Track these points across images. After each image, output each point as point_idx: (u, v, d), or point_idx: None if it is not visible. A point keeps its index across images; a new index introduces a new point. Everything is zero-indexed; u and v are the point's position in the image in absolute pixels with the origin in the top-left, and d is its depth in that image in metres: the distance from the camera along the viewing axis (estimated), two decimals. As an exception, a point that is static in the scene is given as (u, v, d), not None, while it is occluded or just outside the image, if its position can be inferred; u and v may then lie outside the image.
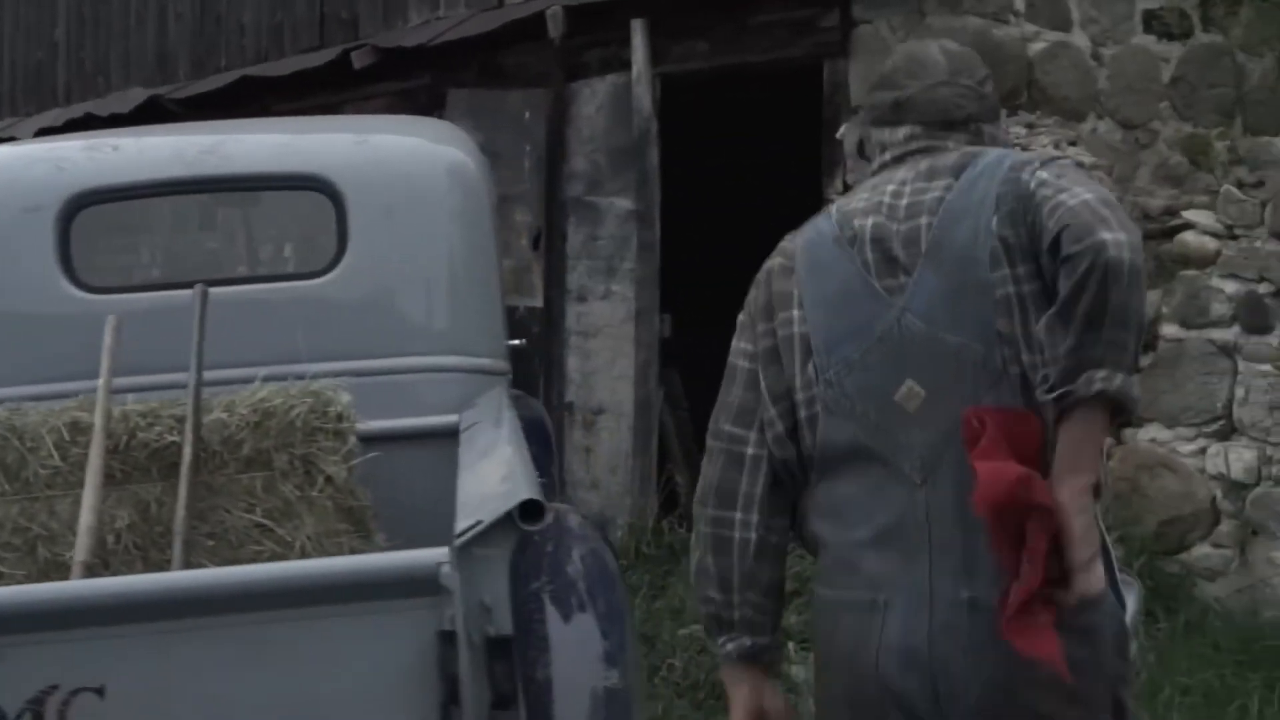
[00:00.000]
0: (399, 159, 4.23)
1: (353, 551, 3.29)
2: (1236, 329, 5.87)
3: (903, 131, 2.55)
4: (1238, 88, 6.70)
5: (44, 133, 9.89)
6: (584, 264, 7.95)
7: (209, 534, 3.32)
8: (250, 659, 2.45)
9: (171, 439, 3.33)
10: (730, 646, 2.54)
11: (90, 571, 3.05)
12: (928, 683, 2.32)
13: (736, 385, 2.56)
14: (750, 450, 2.50)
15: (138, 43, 10.88)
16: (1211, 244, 5.95)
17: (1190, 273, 5.99)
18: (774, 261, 2.58)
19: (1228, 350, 5.88)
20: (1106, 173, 6.56)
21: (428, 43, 8.28)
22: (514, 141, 8.01)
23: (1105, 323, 2.17)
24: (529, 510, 2.51)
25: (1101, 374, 2.18)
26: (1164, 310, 5.95)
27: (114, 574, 3.14)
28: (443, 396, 3.86)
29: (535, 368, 7.92)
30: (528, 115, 8.01)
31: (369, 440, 3.52)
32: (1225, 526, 5.92)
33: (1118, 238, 2.18)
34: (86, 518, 3.12)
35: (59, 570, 3.19)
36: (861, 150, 2.73)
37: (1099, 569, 2.29)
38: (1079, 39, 6.80)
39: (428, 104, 8.25)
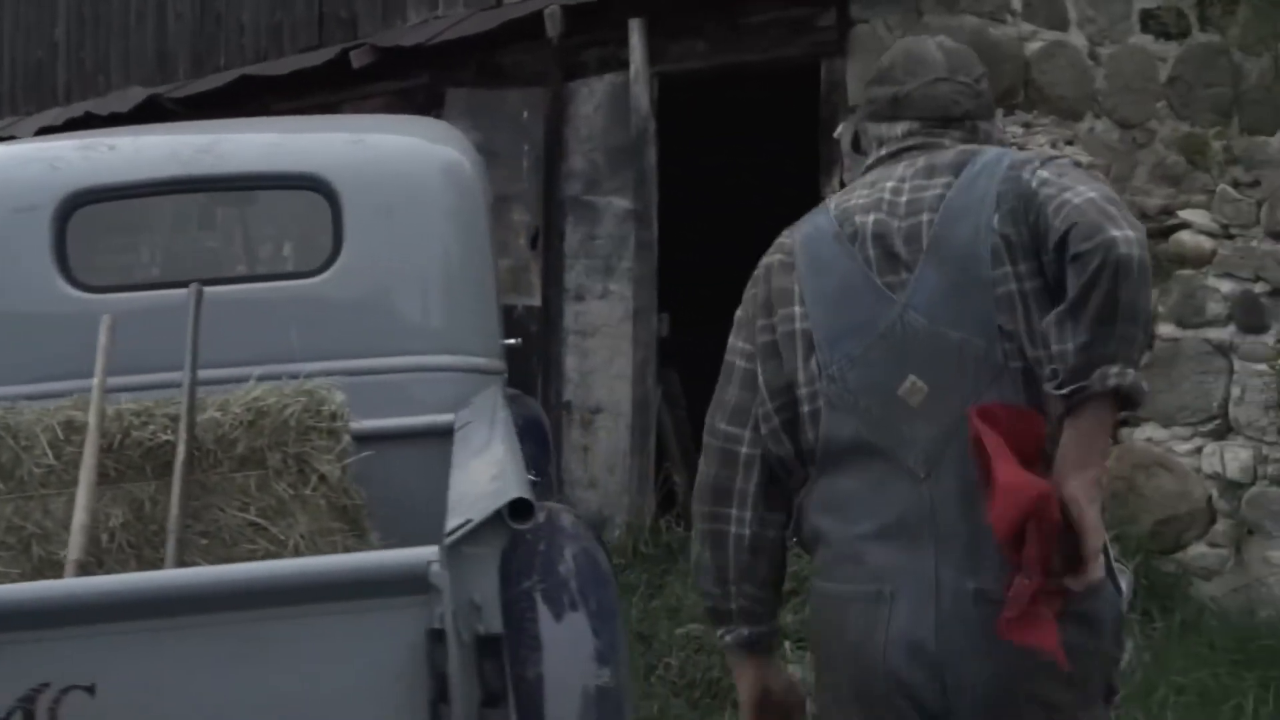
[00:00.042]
0: (395, 158, 4.23)
1: (347, 550, 3.29)
2: (1232, 328, 5.87)
3: (901, 127, 2.59)
4: (1235, 87, 6.70)
5: (44, 131, 9.90)
6: (582, 263, 7.96)
7: (203, 532, 3.33)
8: (241, 657, 2.45)
9: (165, 438, 3.33)
10: (729, 639, 2.62)
11: (83, 570, 3.05)
12: (934, 674, 2.36)
13: (732, 384, 2.58)
14: (744, 449, 2.54)
15: (137, 42, 10.89)
16: (1207, 243, 5.95)
17: (1186, 272, 5.99)
18: (773, 258, 2.60)
19: (1224, 350, 5.89)
20: (1104, 172, 6.56)
21: (426, 42, 8.28)
22: (512, 141, 8.02)
23: (1117, 319, 2.21)
24: (518, 509, 2.51)
25: (1115, 369, 2.22)
26: (1160, 310, 5.95)
27: (108, 572, 3.15)
28: (438, 395, 3.87)
29: (533, 367, 7.93)
30: (526, 114, 8.02)
31: (364, 439, 3.52)
32: (1221, 526, 5.92)
33: (1126, 234, 2.21)
34: (80, 516, 3.13)
35: (53, 569, 3.19)
36: (857, 145, 2.75)
37: (1101, 557, 2.34)
38: (1076, 38, 6.80)
39: (426, 103, 8.26)
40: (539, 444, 5.37)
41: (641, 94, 7.51)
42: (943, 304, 2.39)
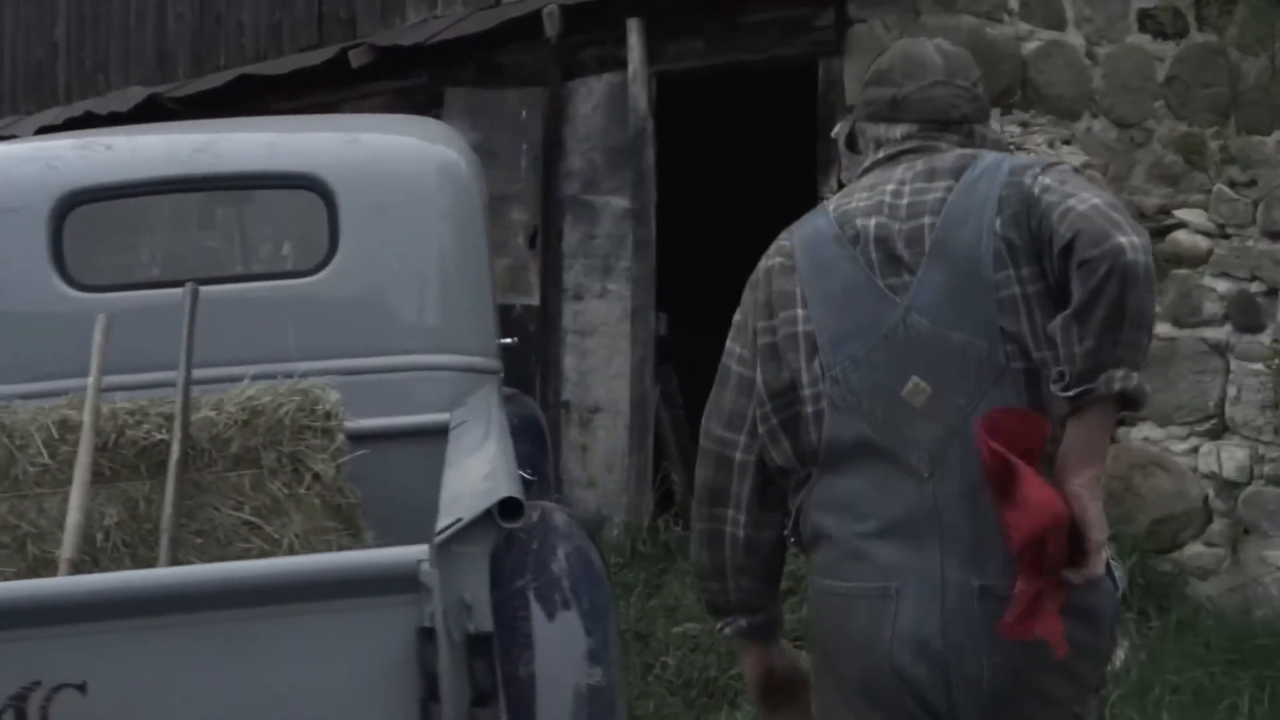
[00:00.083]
0: (390, 158, 4.24)
1: (341, 549, 3.31)
2: (1229, 328, 5.87)
3: (899, 130, 2.61)
4: (1232, 87, 6.69)
5: (45, 131, 9.92)
6: (580, 262, 7.96)
7: (197, 531, 3.34)
8: (231, 655, 2.46)
9: (160, 437, 3.35)
10: (728, 630, 2.68)
11: (77, 569, 3.07)
12: (939, 670, 2.39)
13: (728, 389, 2.62)
14: (739, 455, 2.58)
15: (137, 41, 10.90)
16: (1204, 243, 5.95)
17: (1183, 271, 5.99)
18: (773, 261, 2.61)
19: (1220, 349, 5.88)
20: (1101, 171, 6.56)
21: (425, 41, 8.29)
22: (511, 140, 8.03)
23: (1123, 324, 2.25)
24: (508, 508, 2.52)
25: (1120, 373, 2.26)
26: (1157, 309, 5.94)
27: (103, 571, 3.16)
28: (434, 395, 3.88)
29: (532, 366, 7.93)
30: (524, 114, 8.02)
31: (360, 438, 3.54)
32: (1217, 525, 5.92)
33: (1133, 241, 2.25)
34: (74, 516, 3.14)
35: (48, 567, 3.20)
36: (852, 144, 2.77)
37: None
38: (1073, 38, 6.79)
39: (425, 103, 8.26)
40: (536, 443, 5.38)
41: (640, 93, 7.52)
42: (945, 306, 2.42)
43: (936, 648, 2.39)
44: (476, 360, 4.04)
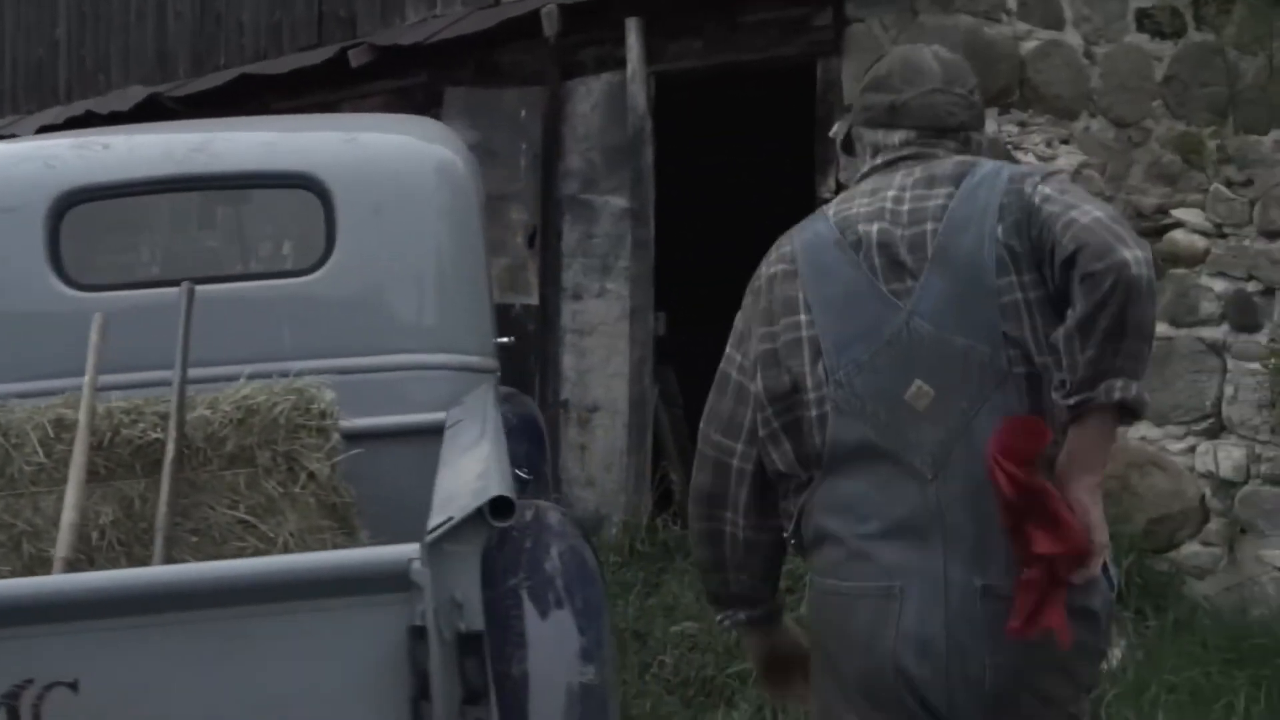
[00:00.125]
0: (387, 157, 4.24)
1: (336, 548, 3.31)
2: (1225, 327, 5.87)
3: (897, 136, 2.65)
4: (1230, 86, 6.70)
5: (45, 130, 9.93)
6: (579, 262, 7.97)
7: (192, 530, 3.35)
8: (223, 654, 2.47)
9: (155, 436, 3.36)
10: (727, 622, 2.78)
11: (71, 567, 3.08)
12: (941, 669, 2.42)
13: (727, 396, 2.65)
14: (736, 462, 2.62)
15: (138, 41, 10.91)
16: (1201, 242, 5.95)
17: (1179, 271, 5.99)
18: (776, 268, 2.64)
19: (1217, 348, 5.89)
20: (1099, 171, 6.57)
21: (424, 41, 8.29)
22: (510, 139, 8.03)
23: (1126, 336, 2.29)
24: (499, 507, 2.53)
25: (1120, 383, 2.31)
26: (1153, 309, 5.95)
27: (98, 570, 3.17)
28: (430, 394, 3.88)
29: (531, 365, 7.94)
30: (523, 113, 8.03)
31: (357, 437, 3.55)
32: (1214, 525, 5.92)
33: (1136, 255, 2.29)
34: (69, 514, 3.15)
35: (43, 566, 3.21)
36: (848, 147, 2.81)
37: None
38: (1071, 37, 6.80)
39: (425, 102, 8.27)
40: (534, 442, 5.38)
41: (638, 93, 7.53)
42: (948, 311, 2.45)
43: (939, 648, 2.42)
44: (473, 359, 4.04)
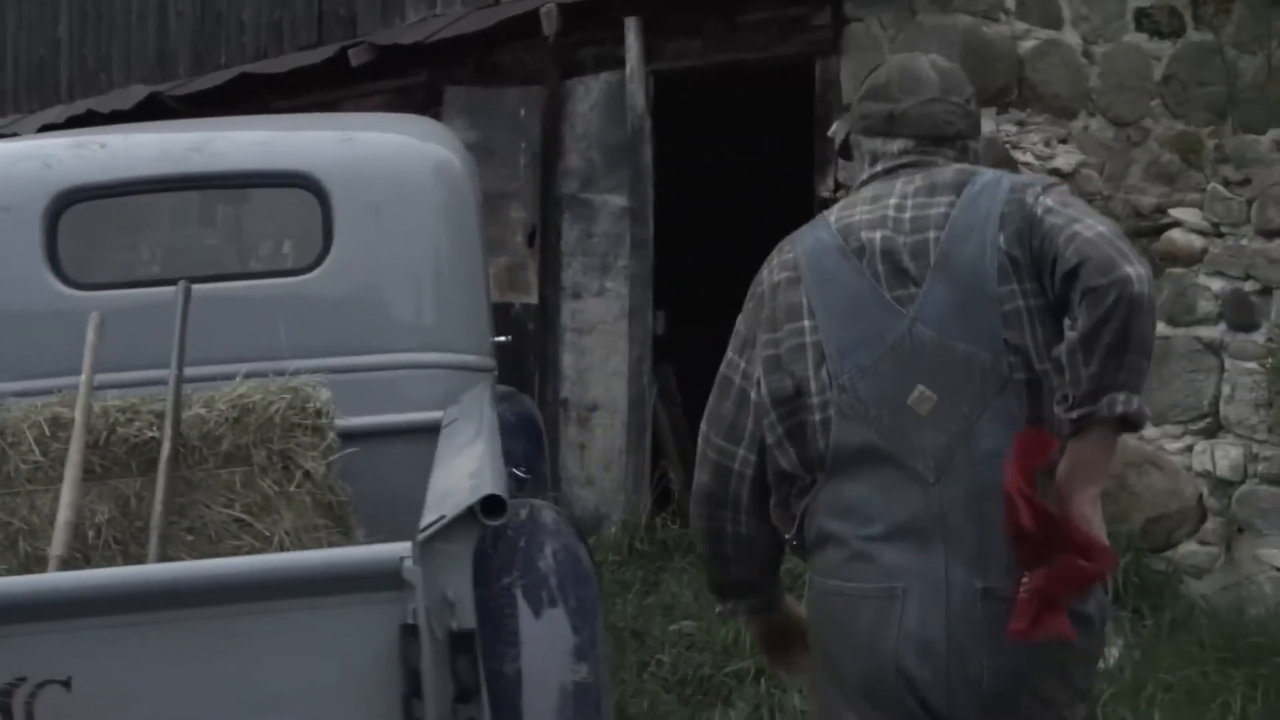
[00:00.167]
0: (385, 156, 4.25)
1: (331, 546, 3.32)
2: (1223, 327, 5.86)
3: (897, 145, 2.69)
4: (1229, 86, 6.70)
5: (47, 129, 9.95)
6: (579, 261, 7.98)
7: (188, 529, 3.36)
8: (215, 651, 2.48)
9: (151, 434, 3.37)
10: (725, 612, 2.88)
11: (67, 566, 3.09)
12: (941, 670, 2.45)
13: (728, 401, 2.68)
14: (736, 466, 2.66)
15: (139, 40, 10.93)
16: (1198, 242, 5.94)
17: (1177, 270, 5.99)
18: (779, 275, 2.67)
19: (1214, 348, 5.88)
20: (1097, 171, 6.57)
21: (424, 40, 8.30)
22: (509, 138, 8.04)
23: (1128, 350, 2.33)
24: (491, 505, 2.54)
25: (1122, 397, 2.35)
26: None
27: (93, 568, 3.18)
28: (427, 393, 3.89)
29: (530, 364, 7.95)
30: (523, 112, 8.03)
31: (354, 436, 3.56)
32: (1211, 524, 5.91)
33: (1139, 272, 2.34)
34: (64, 513, 3.16)
35: (39, 564, 3.22)
36: (845, 153, 2.87)
37: None
38: (1070, 37, 6.80)
39: (424, 101, 8.28)
40: (532, 441, 5.39)
41: (637, 92, 7.53)
42: (950, 317, 2.49)
43: (940, 649, 2.45)
44: (470, 358, 4.05)
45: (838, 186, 6.69)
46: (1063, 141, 6.62)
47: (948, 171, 2.62)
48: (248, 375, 3.54)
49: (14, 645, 2.45)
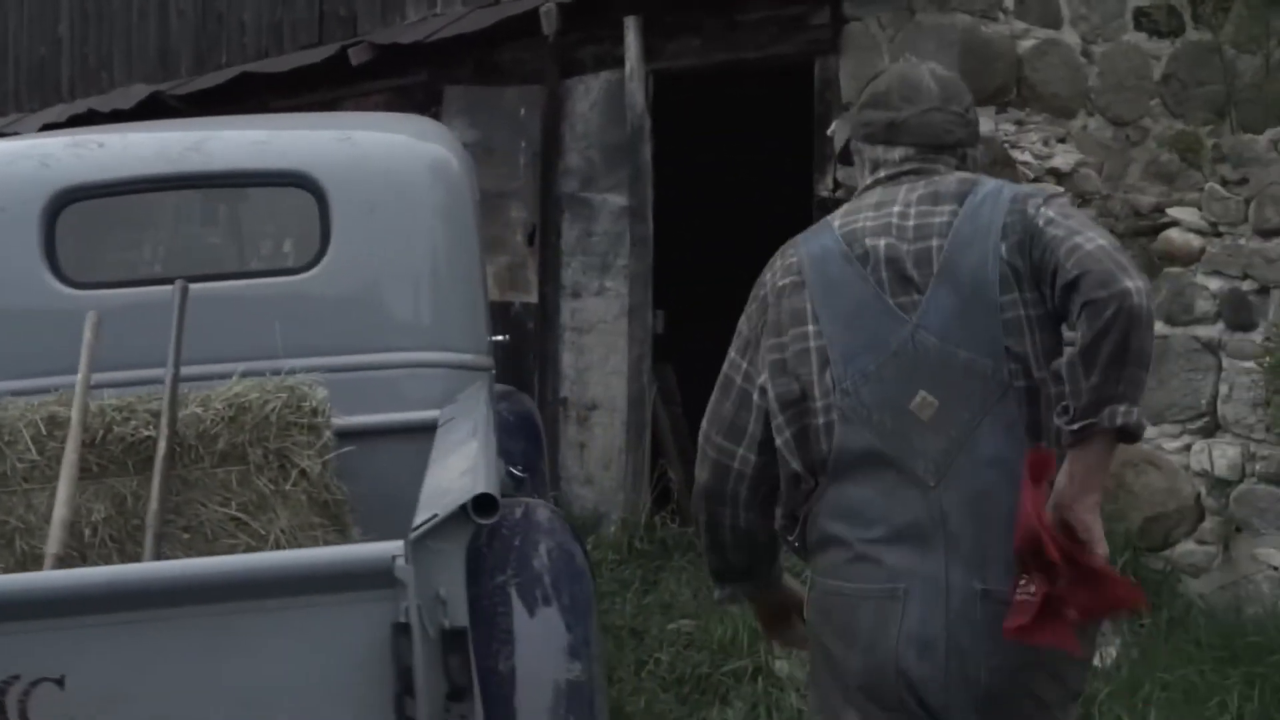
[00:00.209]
0: (382, 156, 4.24)
1: (326, 545, 3.33)
2: (1221, 326, 5.86)
3: (898, 152, 2.74)
4: (1228, 85, 6.71)
5: (48, 128, 9.96)
6: (578, 260, 7.98)
7: (184, 527, 3.36)
8: (208, 650, 2.48)
9: (147, 433, 3.37)
10: (724, 597, 2.93)
11: (62, 564, 3.09)
12: (940, 669, 2.49)
13: (730, 400, 2.72)
14: (735, 465, 2.71)
15: (140, 39, 10.94)
16: (1196, 241, 5.94)
17: (1175, 270, 5.98)
18: (783, 280, 2.70)
19: (1212, 347, 5.88)
20: (1096, 170, 6.57)
21: (424, 39, 8.31)
22: (509, 138, 8.05)
23: (1127, 363, 2.37)
24: (483, 504, 2.54)
25: (1122, 408, 2.38)
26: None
27: (89, 566, 3.18)
28: (425, 392, 3.89)
29: (530, 363, 7.96)
30: (523, 112, 8.04)
31: (351, 435, 3.56)
32: (1209, 523, 5.91)
33: (1138, 285, 2.39)
34: (60, 511, 3.16)
35: (35, 563, 3.23)
36: (846, 158, 2.96)
37: None
38: (1069, 36, 6.81)
39: (424, 100, 8.29)
40: (531, 440, 5.40)
41: (637, 91, 7.54)
42: (953, 325, 2.53)
43: (940, 649, 2.49)
44: (467, 357, 4.05)
45: (836, 185, 6.70)
46: (1061, 141, 6.62)
47: (950, 180, 2.67)
48: (244, 374, 3.54)
49: (8, 643, 2.46)
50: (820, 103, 7.01)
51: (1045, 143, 6.53)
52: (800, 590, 2.89)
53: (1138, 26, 6.91)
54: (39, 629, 2.46)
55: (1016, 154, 6.34)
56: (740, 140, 9.01)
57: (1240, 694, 4.93)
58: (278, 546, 3.31)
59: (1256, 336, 5.76)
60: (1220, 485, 5.84)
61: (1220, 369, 5.86)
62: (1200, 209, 5.98)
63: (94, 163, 4.08)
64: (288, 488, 3.41)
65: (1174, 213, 6.01)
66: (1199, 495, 5.92)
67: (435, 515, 2.52)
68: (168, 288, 3.73)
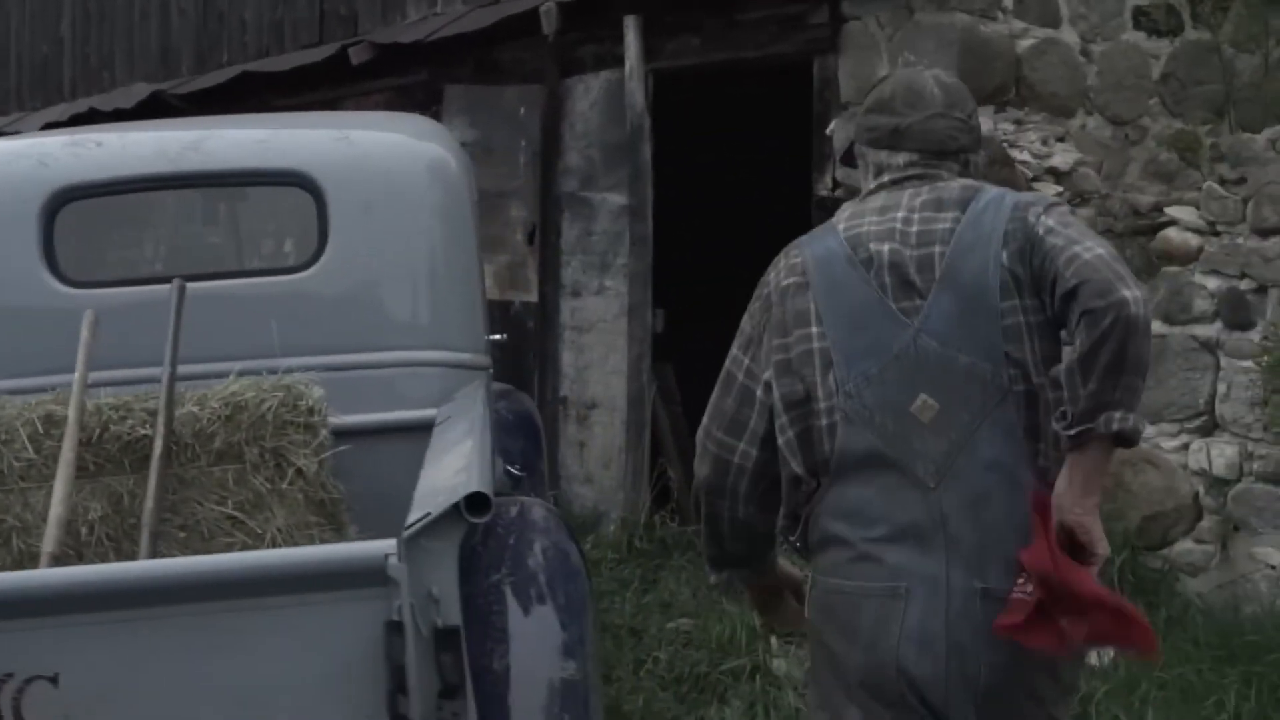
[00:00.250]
0: (380, 155, 4.25)
1: (323, 543, 3.34)
2: (1219, 325, 5.86)
3: (901, 158, 2.77)
4: (1227, 84, 6.71)
5: (50, 127, 9.97)
6: (578, 259, 7.99)
7: (181, 526, 3.37)
8: (201, 648, 2.49)
9: (143, 432, 3.38)
10: (720, 583, 2.95)
11: (58, 563, 3.10)
12: (940, 667, 2.53)
13: (731, 397, 2.76)
14: (735, 460, 2.74)
15: (142, 38, 10.96)
16: (1194, 240, 5.94)
17: (1173, 269, 5.98)
18: (787, 280, 2.73)
19: (1210, 346, 5.88)
20: (1095, 169, 6.57)
21: (425, 39, 8.32)
22: (509, 137, 8.05)
23: (1124, 370, 2.41)
24: (476, 503, 2.55)
25: (1119, 415, 2.41)
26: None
27: (86, 565, 3.19)
28: (423, 391, 3.90)
29: (530, 362, 7.97)
30: (523, 111, 8.05)
31: (348, 434, 3.56)
32: (1207, 522, 5.91)
33: (1136, 295, 2.43)
34: (56, 510, 3.17)
35: (32, 561, 3.23)
36: (848, 160, 2.96)
37: None
38: (1068, 35, 6.81)
39: (425, 100, 8.30)
40: (530, 438, 5.40)
41: (637, 90, 7.55)
42: (954, 329, 2.57)
43: (940, 647, 2.53)
44: (465, 356, 4.06)
45: (836, 185, 6.70)
46: (1060, 140, 6.63)
47: (953, 187, 2.70)
48: (242, 373, 3.55)
49: (2, 641, 2.46)
50: (819, 102, 7.02)
51: (1044, 142, 6.53)
52: (794, 571, 2.92)
53: (1136, 26, 6.92)
54: (34, 627, 2.47)
55: (1015, 153, 6.34)
56: (740, 139, 9.02)
57: (1238, 693, 4.93)
58: (274, 545, 3.32)
59: (1254, 336, 5.76)
60: (1218, 484, 5.84)
61: (1218, 368, 5.86)
62: (1198, 208, 5.97)
63: (92, 162, 4.09)
64: (284, 486, 3.42)
65: (1172, 212, 6.01)
66: (1197, 494, 5.92)
67: (428, 514, 2.53)
68: (165, 287, 3.73)
